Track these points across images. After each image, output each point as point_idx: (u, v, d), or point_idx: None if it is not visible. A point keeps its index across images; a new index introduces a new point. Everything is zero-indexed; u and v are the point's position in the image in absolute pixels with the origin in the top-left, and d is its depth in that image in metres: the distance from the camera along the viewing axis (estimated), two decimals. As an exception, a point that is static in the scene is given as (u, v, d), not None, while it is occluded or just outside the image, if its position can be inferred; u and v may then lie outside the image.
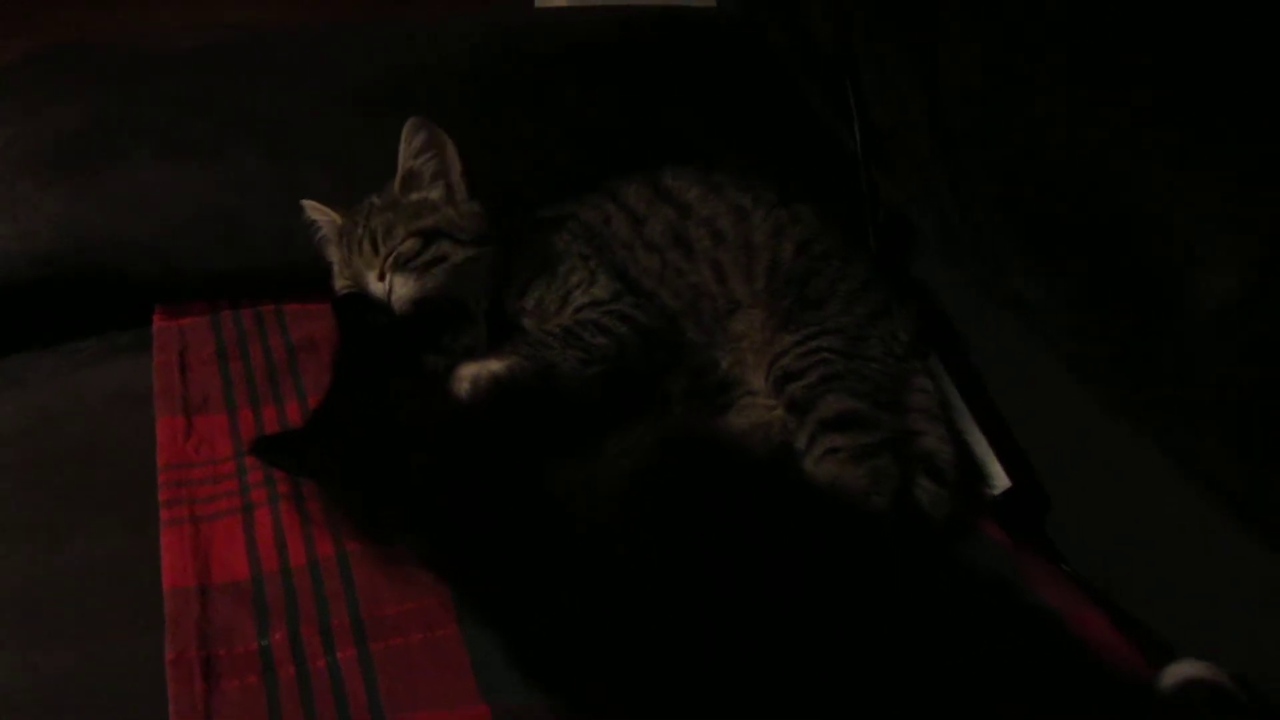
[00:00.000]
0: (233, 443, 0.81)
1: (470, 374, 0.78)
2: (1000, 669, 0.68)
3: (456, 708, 0.62)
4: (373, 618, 0.67)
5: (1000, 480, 0.91)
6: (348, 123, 1.00)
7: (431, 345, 0.83)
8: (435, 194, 0.88)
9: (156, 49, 1.09)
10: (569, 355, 0.81)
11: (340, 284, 0.89)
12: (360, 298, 0.86)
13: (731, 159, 1.09)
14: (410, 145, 0.87)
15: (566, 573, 0.64)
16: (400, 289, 0.84)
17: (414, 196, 0.88)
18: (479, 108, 1.03)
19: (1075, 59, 0.88)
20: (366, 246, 0.85)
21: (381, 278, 0.85)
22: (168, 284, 0.93)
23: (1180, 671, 0.71)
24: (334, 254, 0.91)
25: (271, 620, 0.67)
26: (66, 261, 0.90)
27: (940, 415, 0.91)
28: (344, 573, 0.71)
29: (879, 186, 1.11)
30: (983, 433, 0.94)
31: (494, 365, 0.79)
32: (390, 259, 0.84)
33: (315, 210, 0.92)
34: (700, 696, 0.62)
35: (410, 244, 0.85)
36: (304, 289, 0.96)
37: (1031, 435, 0.96)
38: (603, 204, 0.97)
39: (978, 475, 0.91)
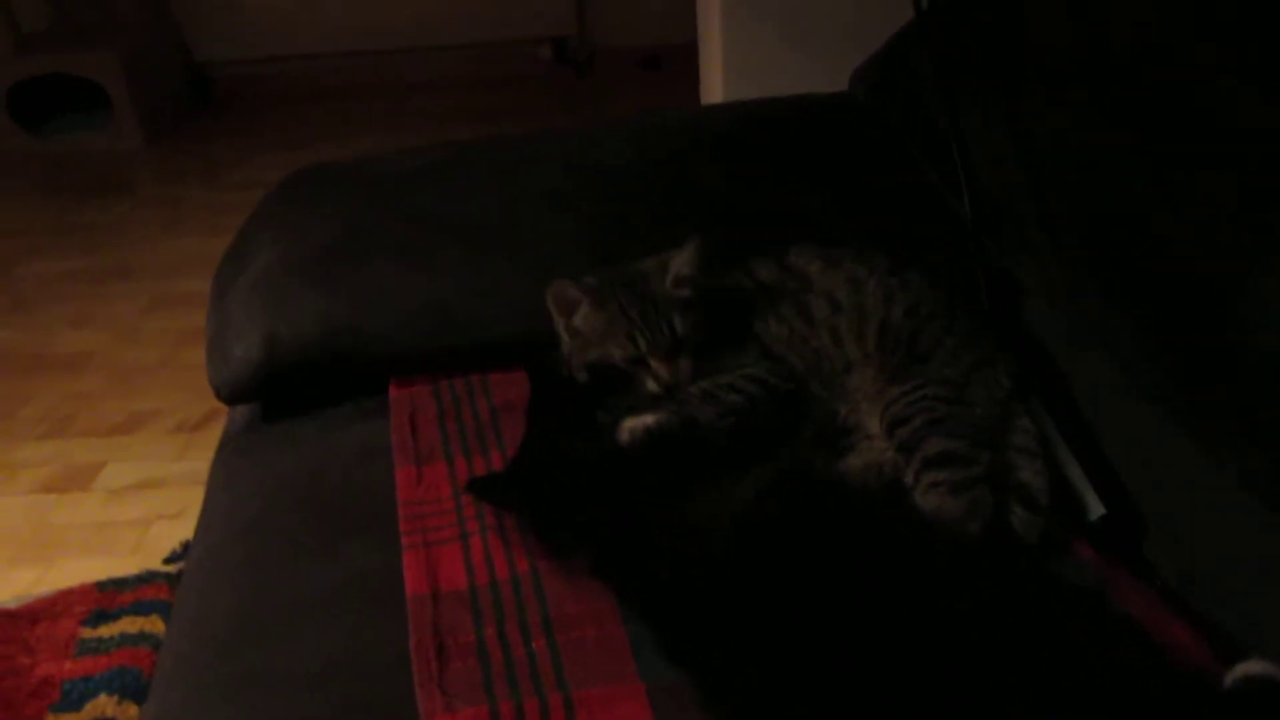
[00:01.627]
0: (451, 485, 1.03)
1: (630, 425, 0.98)
2: (1079, 669, 0.81)
3: (620, 684, 0.82)
4: (558, 616, 0.88)
5: (1096, 508, 1.03)
6: (530, 220, 1.23)
7: (601, 403, 1.04)
8: (689, 292, 1.08)
9: (387, 170, 1.37)
10: (706, 409, 1.00)
11: (588, 357, 1.07)
12: (546, 362, 1.08)
13: (857, 231, 1.26)
14: (685, 254, 1.08)
15: (704, 581, 0.83)
16: (687, 371, 1.05)
17: (679, 293, 1.07)
18: (636, 201, 1.25)
19: (1148, 136, 1.01)
20: (665, 333, 1.04)
21: (668, 359, 1.04)
22: (399, 360, 1.19)
23: (1243, 669, 0.82)
24: (583, 328, 1.08)
25: (484, 618, 0.89)
26: (324, 346, 1.17)
27: (1038, 451, 1.04)
28: (536, 583, 0.92)
29: (989, 248, 1.25)
30: (1080, 465, 1.06)
31: (648, 419, 0.99)
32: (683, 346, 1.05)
33: (568, 288, 1.07)
34: (808, 681, 0.78)
35: (695, 333, 1.05)
36: (502, 361, 1.19)
37: (1126, 466, 1.07)
38: (740, 280, 1.16)
39: (1076, 504, 1.04)
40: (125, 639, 1.65)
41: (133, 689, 1.56)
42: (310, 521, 1.03)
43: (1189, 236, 0.96)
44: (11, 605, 1.73)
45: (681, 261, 1.07)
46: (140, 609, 1.70)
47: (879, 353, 1.08)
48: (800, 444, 1.03)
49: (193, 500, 1.92)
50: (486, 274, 1.20)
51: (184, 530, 1.85)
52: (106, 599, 1.73)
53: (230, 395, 1.17)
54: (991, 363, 1.09)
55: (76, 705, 1.53)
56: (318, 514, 1.04)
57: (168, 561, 1.81)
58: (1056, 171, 1.14)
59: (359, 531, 1.00)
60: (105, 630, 1.67)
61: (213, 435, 2.12)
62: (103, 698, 1.54)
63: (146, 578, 1.77)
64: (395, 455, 1.08)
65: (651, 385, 1.05)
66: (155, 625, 1.67)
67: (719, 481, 0.89)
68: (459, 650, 0.86)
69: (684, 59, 2.54)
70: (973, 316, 1.14)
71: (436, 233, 1.23)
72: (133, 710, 1.52)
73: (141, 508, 1.98)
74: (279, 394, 1.19)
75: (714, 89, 1.96)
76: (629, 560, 0.87)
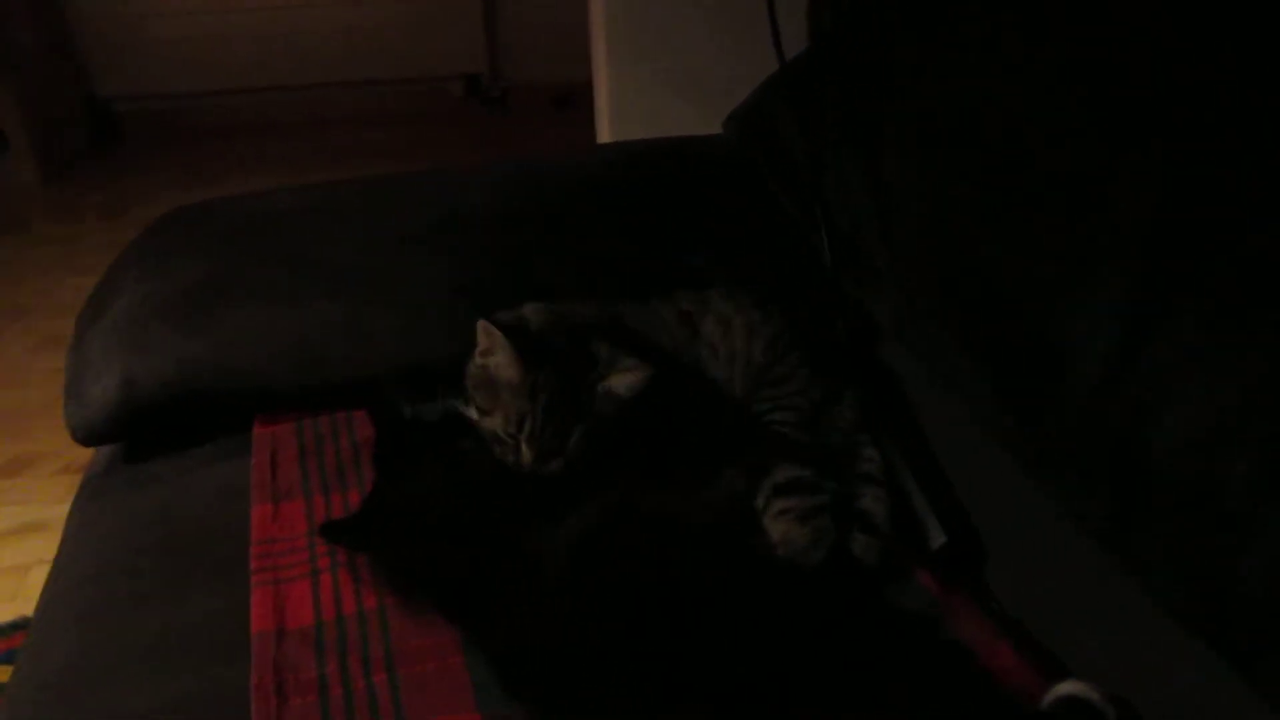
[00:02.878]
0: (307, 523, 1.04)
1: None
2: (907, 690, 0.85)
3: (456, 716, 0.83)
4: (400, 650, 0.89)
5: (938, 536, 1.07)
6: (395, 265, 1.25)
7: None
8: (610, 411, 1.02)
9: (259, 210, 1.38)
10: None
11: (477, 399, 1.03)
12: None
13: (725, 270, 1.29)
14: (630, 379, 1.01)
15: (537, 612, 0.85)
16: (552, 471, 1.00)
17: (602, 407, 1.01)
18: (501, 245, 1.27)
19: (988, 188, 1.07)
20: (554, 439, 0.99)
21: (541, 459, 0.99)
22: (262, 399, 1.19)
23: (1061, 689, 0.87)
24: (492, 374, 1.02)
25: (326, 654, 0.90)
26: (183, 385, 1.16)
27: (881, 479, 1.08)
28: (382, 618, 0.93)
29: (846, 285, 1.30)
30: (923, 495, 1.11)
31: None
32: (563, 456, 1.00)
33: (496, 334, 1.00)
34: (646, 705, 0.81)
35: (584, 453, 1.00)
36: (367, 399, 1.20)
37: (968, 497, 1.12)
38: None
39: (918, 532, 1.08)
40: (-4, 688, 1.60)
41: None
42: (159, 565, 1.03)
43: (1022, 263, 1.02)
44: (-123, 654, 1.67)
45: (624, 384, 1.01)
46: (13, 657, 1.66)
47: (742, 389, 1.11)
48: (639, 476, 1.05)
49: (75, 544, 1.91)
50: (353, 313, 1.21)
51: (65, 575, 1.81)
52: (-23, 648, 1.69)
53: (86, 437, 1.17)
54: (839, 395, 1.14)
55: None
56: (168, 557, 1.03)
57: (45, 607, 1.77)
58: (906, 216, 1.20)
59: (210, 573, 1.00)
60: (-27, 680, 1.62)
61: (101, 477, 2.12)
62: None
63: (21, 624, 1.73)
64: (253, 493, 1.08)
65: (509, 458, 1.01)
66: (28, 673, 1.63)
67: (556, 513, 0.91)
68: (299, 687, 0.87)
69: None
70: (828, 350, 1.18)
71: (303, 273, 1.24)
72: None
73: (22, 553, 1.93)
74: (138, 435, 1.18)
75: (604, 130, 2.00)
76: (467, 594, 0.89)
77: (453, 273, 1.24)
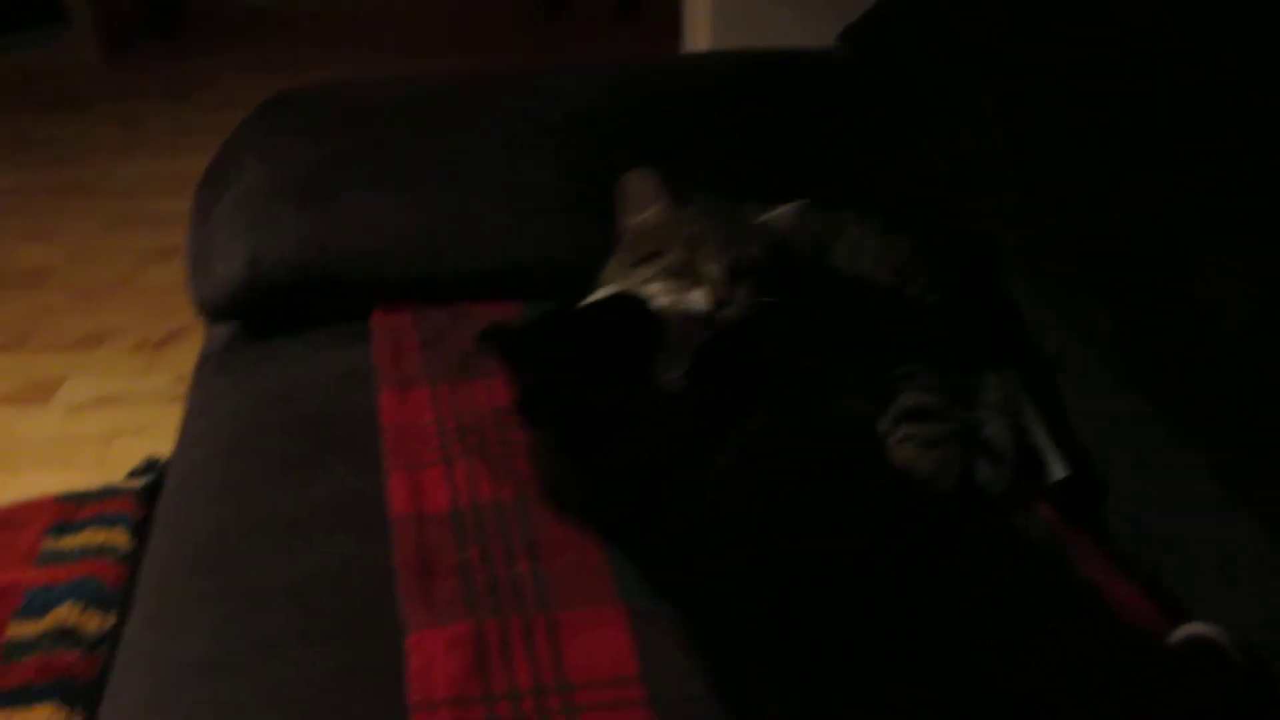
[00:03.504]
0: (434, 411, 1.04)
1: None
2: (1036, 625, 0.85)
3: (601, 607, 0.84)
4: (540, 541, 0.90)
5: (1058, 469, 1.08)
6: (510, 162, 1.24)
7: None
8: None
9: (369, 99, 1.36)
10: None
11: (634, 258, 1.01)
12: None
13: (842, 191, 1.27)
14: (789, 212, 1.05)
15: (690, 516, 0.86)
16: (741, 299, 0.99)
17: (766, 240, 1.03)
18: (617, 146, 1.25)
19: (1133, 117, 1.04)
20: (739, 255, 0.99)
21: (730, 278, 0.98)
22: (381, 287, 1.19)
23: (1187, 630, 0.87)
24: (644, 227, 1.03)
25: (467, 540, 0.91)
26: (306, 269, 1.17)
27: (1006, 410, 1.08)
28: (521, 508, 0.93)
29: (967, 213, 1.28)
30: (1045, 427, 1.11)
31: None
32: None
33: (647, 180, 1.03)
34: (781, 615, 0.82)
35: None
36: (483, 293, 1.20)
37: (1089, 432, 1.12)
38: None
39: (1039, 464, 1.08)
40: (88, 551, 1.64)
41: (95, 599, 1.56)
42: (292, 442, 1.04)
43: (1163, 218, 0.99)
44: (-29, 516, 1.71)
45: (784, 214, 1.03)
46: (103, 521, 1.69)
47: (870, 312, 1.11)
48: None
49: (155, 418, 1.94)
50: (471, 207, 1.20)
51: (146, 447, 1.85)
52: (68, 511, 1.72)
53: (213, 312, 1.17)
54: (968, 324, 1.13)
55: (39, 613, 1.53)
56: (299, 435, 1.04)
57: (130, 476, 1.80)
58: (1039, 142, 1.17)
59: (341, 453, 1.01)
60: (67, 542, 1.66)
61: (174, 354, 2.14)
62: (65, 606, 1.54)
63: (109, 492, 1.76)
64: (379, 379, 1.08)
65: (697, 299, 0.98)
66: (118, 538, 1.67)
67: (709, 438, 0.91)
68: (443, 570, 0.88)
69: (662, 5, 2.51)
70: (952, 279, 1.17)
71: (421, 164, 1.23)
72: (94, 619, 1.53)
73: (103, 424, 1.96)
74: (261, 314, 1.19)
75: (699, 38, 1.96)
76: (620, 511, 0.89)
77: (568, 175, 1.23)
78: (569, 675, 0.80)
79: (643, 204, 1.03)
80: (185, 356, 2.10)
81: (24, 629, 1.52)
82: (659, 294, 0.99)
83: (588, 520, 0.91)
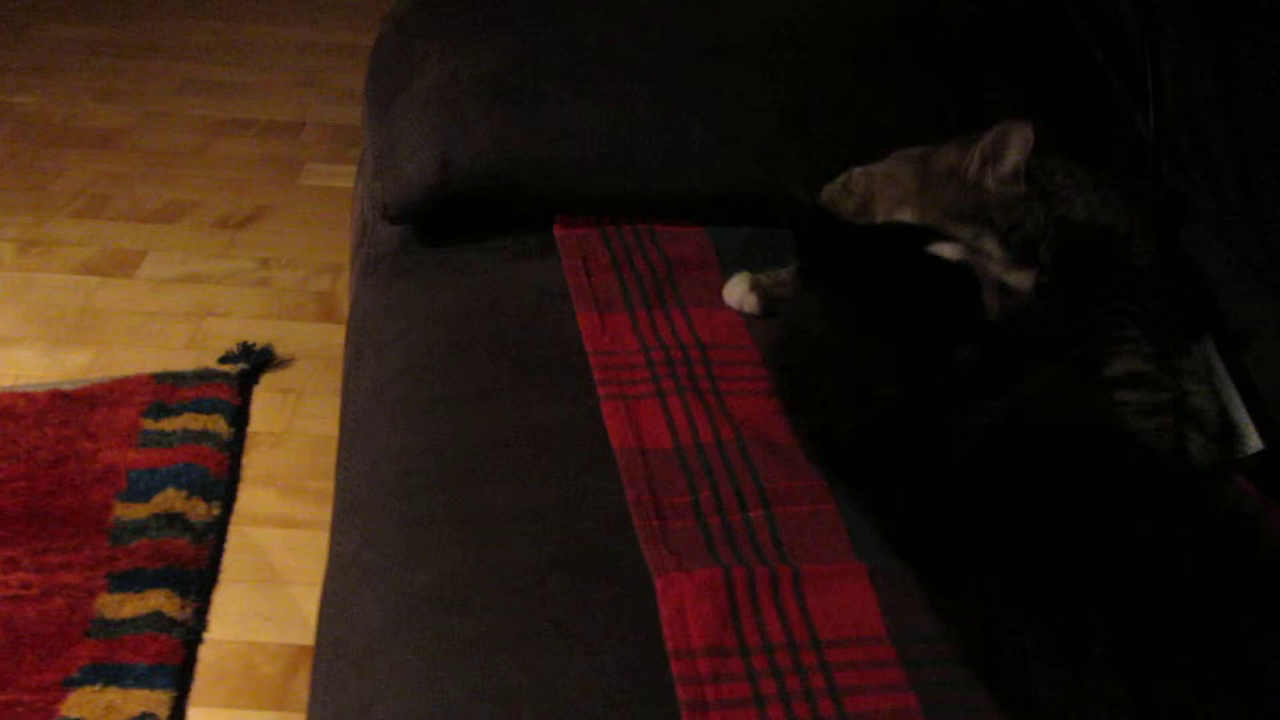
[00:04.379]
0: (637, 339, 1.01)
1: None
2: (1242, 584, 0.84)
3: (842, 562, 0.83)
4: (771, 489, 0.88)
5: (1254, 442, 1.06)
6: (718, 74, 1.17)
7: None
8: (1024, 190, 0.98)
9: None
10: None
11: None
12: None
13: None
14: (1014, 139, 0.97)
15: (933, 477, 0.84)
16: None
17: (1014, 190, 0.97)
18: (832, 68, 1.19)
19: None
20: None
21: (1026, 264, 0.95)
22: (569, 199, 1.14)
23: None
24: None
25: (697, 480, 0.88)
26: (500, 174, 1.11)
27: (1206, 378, 1.06)
28: (742, 450, 0.91)
29: (1166, 167, 1.23)
30: (1242, 399, 1.08)
31: None
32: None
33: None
34: (1017, 569, 0.80)
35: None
36: (671, 212, 1.16)
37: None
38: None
39: (1235, 436, 1.06)
40: (188, 435, 1.62)
41: (199, 486, 1.54)
42: (494, 360, 1.00)
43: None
44: (67, 387, 1.68)
45: (1013, 148, 0.95)
46: (201, 406, 1.67)
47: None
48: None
49: (241, 300, 1.91)
50: (670, 117, 1.14)
51: (235, 330, 1.81)
52: (165, 392, 1.69)
53: (400, 214, 1.12)
54: (1173, 289, 1.09)
55: (145, 496, 1.51)
56: (499, 353, 1.01)
57: (224, 361, 1.77)
58: (1260, 107, 1.11)
59: (546, 375, 0.98)
60: (167, 424, 1.63)
61: (255, 235, 2.09)
62: (170, 491, 1.52)
63: (206, 375, 1.73)
64: (575, 300, 1.05)
65: (991, 303, 0.92)
66: (218, 424, 1.64)
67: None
68: (676, 510, 0.86)
69: None
70: (1155, 240, 1.13)
71: (617, 70, 1.16)
72: (200, 506, 1.51)
73: (190, 302, 1.91)
74: (447, 218, 1.13)
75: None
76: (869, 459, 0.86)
77: (772, 89, 1.17)
78: (819, 631, 0.78)
79: (1008, 160, 0.96)
80: (266, 239, 2.09)
81: (131, 511, 1.50)
82: (988, 260, 0.94)
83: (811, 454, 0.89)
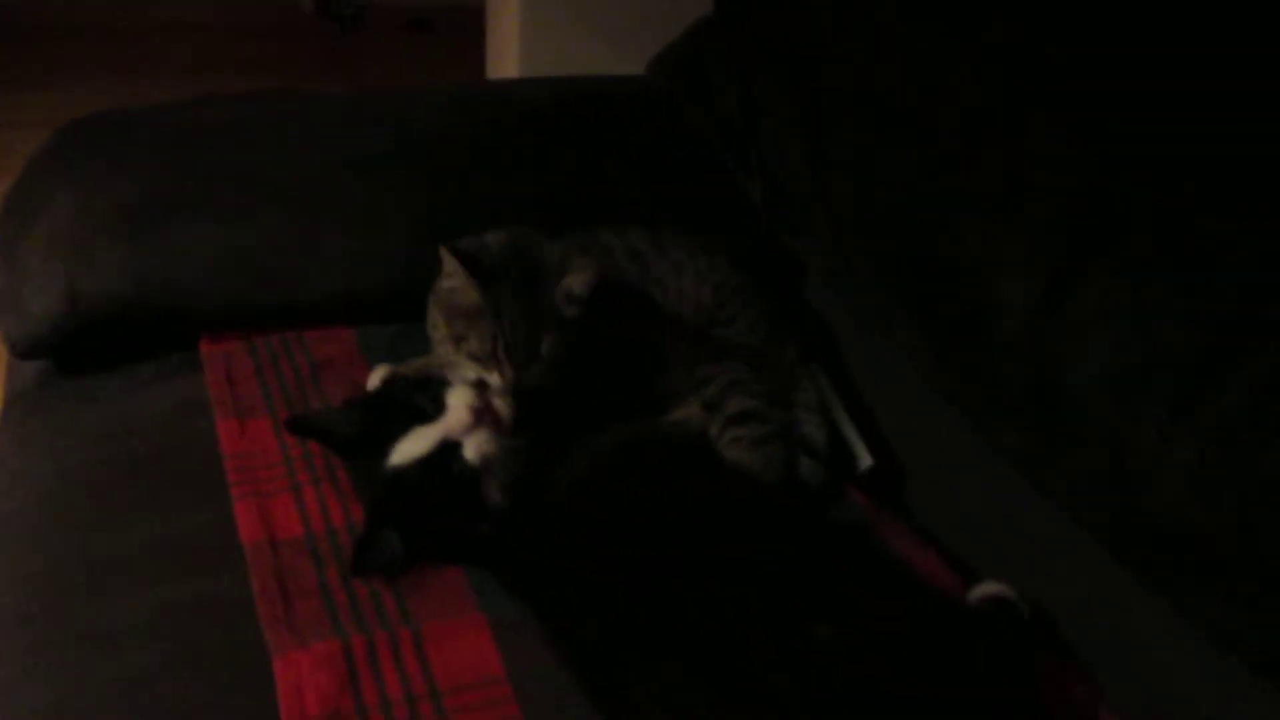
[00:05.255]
0: (277, 439, 1.04)
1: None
2: (854, 588, 0.95)
3: (463, 617, 0.88)
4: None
5: (865, 460, 1.19)
6: (348, 186, 1.24)
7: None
8: (575, 312, 1.04)
9: (185, 121, 1.33)
10: None
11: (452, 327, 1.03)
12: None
13: (660, 213, 1.35)
14: (583, 276, 1.03)
15: (547, 526, 0.91)
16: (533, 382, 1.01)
17: (566, 310, 1.03)
18: (452, 173, 1.28)
19: (920, 151, 1.16)
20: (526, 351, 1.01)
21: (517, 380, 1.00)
22: (211, 318, 1.17)
23: (981, 589, 1.00)
24: (456, 299, 1.03)
25: (324, 562, 0.92)
26: (130, 301, 1.13)
27: (818, 409, 1.18)
28: (375, 529, 0.95)
29: (779, 231, 1.39)
30: (853, 423, 1.22)
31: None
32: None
33: (449, 261, 1.02)
34: (640, 612, 0.88)
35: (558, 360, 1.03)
36: (318, 319, 1.21)
37: (893, 424, 1.24)
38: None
39: (849, 456, 1.19)
40: None
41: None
42: (123, 480, 1.01)
43: (946, 231, 1.12)
44: None
45: (578, 282, 1.04)
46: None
47: (692, 326, 1.18)
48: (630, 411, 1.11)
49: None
50: (304, 231, 1.20)
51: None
52: None
53: (28, 350, 1.12)
54: (780, 334, 1.23)
55: None
56: (131, 472, 1.02)
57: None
58: (841, 176, 1.28)
59: (180, 487, 1.00)
60: None
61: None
62: None
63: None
64: (215, 409, 1.07)
65: (493, 381, 1.01)
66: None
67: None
68: (302, 592, 0.89)
69: (456, 22, 2.48)
70: (767, 293, 1.26)
71: (250, 191, 1.21)
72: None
73: None
74: (78, 350, 1.15)
75: (506, 62, 2.00)
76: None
77: (404, 197, 1.25)
78: (439, 682, 0.83)
79: (450, 273, 1.04)
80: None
81: None
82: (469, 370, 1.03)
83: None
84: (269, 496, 0.98)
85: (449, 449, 0.91)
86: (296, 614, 0.87)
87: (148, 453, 1.04)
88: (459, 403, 0.93)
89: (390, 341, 1.19)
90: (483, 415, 0.93)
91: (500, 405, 0.96)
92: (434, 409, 0.93)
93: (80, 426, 1.07)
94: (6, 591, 0.92)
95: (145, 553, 0.93)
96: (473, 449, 0.91)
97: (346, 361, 1.16)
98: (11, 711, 0.81)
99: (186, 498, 0.99)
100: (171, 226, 1.16)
